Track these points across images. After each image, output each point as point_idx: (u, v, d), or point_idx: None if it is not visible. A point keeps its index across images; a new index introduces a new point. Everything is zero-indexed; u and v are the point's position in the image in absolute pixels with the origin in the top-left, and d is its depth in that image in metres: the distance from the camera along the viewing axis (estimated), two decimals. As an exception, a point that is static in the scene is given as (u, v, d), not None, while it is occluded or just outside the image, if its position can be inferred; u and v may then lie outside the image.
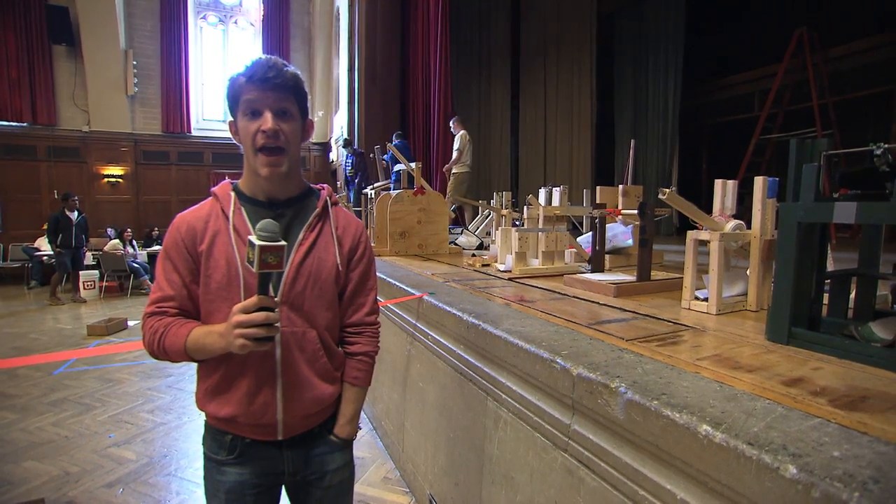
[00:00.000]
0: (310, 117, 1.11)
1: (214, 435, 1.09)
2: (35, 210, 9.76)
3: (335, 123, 11.13)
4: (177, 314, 1.03)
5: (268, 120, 0.98)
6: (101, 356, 4.52)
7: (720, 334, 1.39)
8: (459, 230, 5.01)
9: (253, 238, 0.88)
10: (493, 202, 4.57)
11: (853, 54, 6.66)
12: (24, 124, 9.93)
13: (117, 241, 8.50)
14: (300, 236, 1.06)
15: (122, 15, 10.11)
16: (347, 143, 8.51)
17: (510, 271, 2.64)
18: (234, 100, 1.02)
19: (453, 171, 6.42)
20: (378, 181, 6.49)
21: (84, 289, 7.66)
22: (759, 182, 1.69)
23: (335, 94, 11.16)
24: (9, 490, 2.46)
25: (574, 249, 3.02)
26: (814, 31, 6.49)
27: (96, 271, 8.05)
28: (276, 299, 0.98)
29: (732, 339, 1.34)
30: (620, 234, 3.20)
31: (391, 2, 8.60)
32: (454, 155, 6.44)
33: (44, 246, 8.59)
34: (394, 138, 7.30)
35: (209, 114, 11.22)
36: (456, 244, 4.43)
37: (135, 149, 10.52)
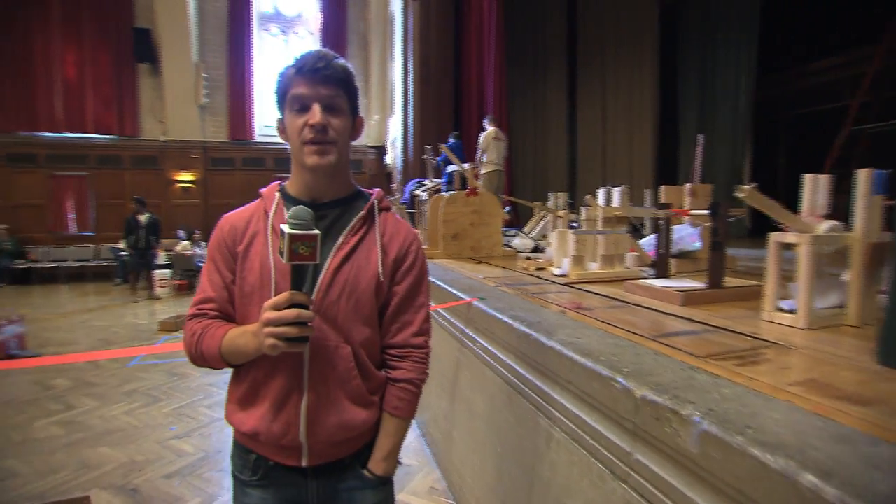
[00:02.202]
0: (360, 115, 1.04)
1: (240, 452, 1.03)
2: (120, 214, 10.56)
3: (390, 126, 11.28)
4: (216, 317, 0.99)
5: (316, 113, 0.93)
6: (169, 353, 4.80)
7: (813, 353, 1.20)
8: (514, 232, 4.88)
9: (284, 226, 0.82)
10: (549, 203, 4.41)
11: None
12: (113, 137, 10.85)
13: (187, 242, 9.06)
14: (340, 240, 0.98)
15: (194, 31, 10.81)
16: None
17: (566, 276, 2.49)
18: (283, 94, 0.97)
19: (480, 171, 6.30)
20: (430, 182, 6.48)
21: (158, 287, 8.20)
22: (862, 176, 1.46)
23: (390, 97, 11.32)
24: (85, 473, 2.64)
25: (635, 253, 2.82)
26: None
27: (169, 270, 8.62)
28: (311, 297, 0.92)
29: (830, 360, 1.15)
30: (687, 236, 2.96)
31: (444, 3, 8.60)
32: (477, 153, 6.34)
33: (124, 247, 9.32)
34: (450, 138, 7.27)
35: (271, 121, 11.74)
36: (510, 247, 4.30)
37: (204, 155, 11.22)
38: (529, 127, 9.49)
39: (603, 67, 8.80)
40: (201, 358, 0.96)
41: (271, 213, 0.98)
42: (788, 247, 1.52)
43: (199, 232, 9.50)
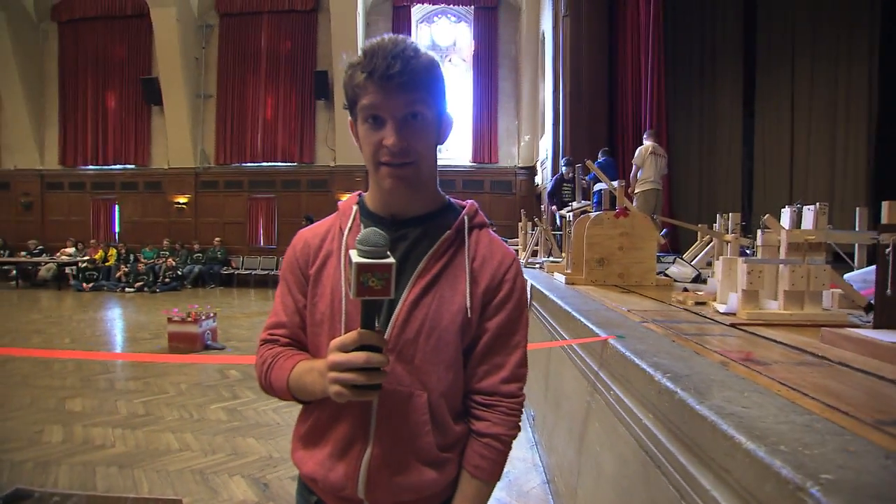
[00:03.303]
0: (448, 114, 0.86)
1: (302, 491, 0.94)
2: (296, 230, 12.36)
3: (541, 147, 11.12)
4: (288, 344, 0.90)
5: (391, 134, 0.78)
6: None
7: None
8: (671, 259, 4.26)
9: (352, 253, 0.69)
10: (716, 226, 3.75)
11: None
12: (294, 164, 12.76)
13: (349, 255, 10.08)
14: (421, 265, 0.83)
15: (363, 68, 12.16)
16: (570, 163, 7.96)
17: (734, 314, 2.00)
18: (352, 98, 0.81)
19: (636, 189, 5.64)
20: (577, 202, 6.09)
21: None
22: None
23: (541, 117, 11.18)
24: (234, 459, 2.95)
25: (838, 290, 2.16)
26: None
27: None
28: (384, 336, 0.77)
29: None
30: (924, 271, 2.17)
31: (597, 15, 8.19)
32: (632, 169, 5.71)
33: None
34: (599, 155, 6.81)
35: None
36: (666, 275, 3.74)
37: (365, 178, 12.38)
38: (694, 140, 8.44)
39: (793, 72, 7.43)
40: (271, 388, 0.87)
41: (346, 231, 0.86)
42: None
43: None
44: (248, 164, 13.03)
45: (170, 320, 5.74)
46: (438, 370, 0.83)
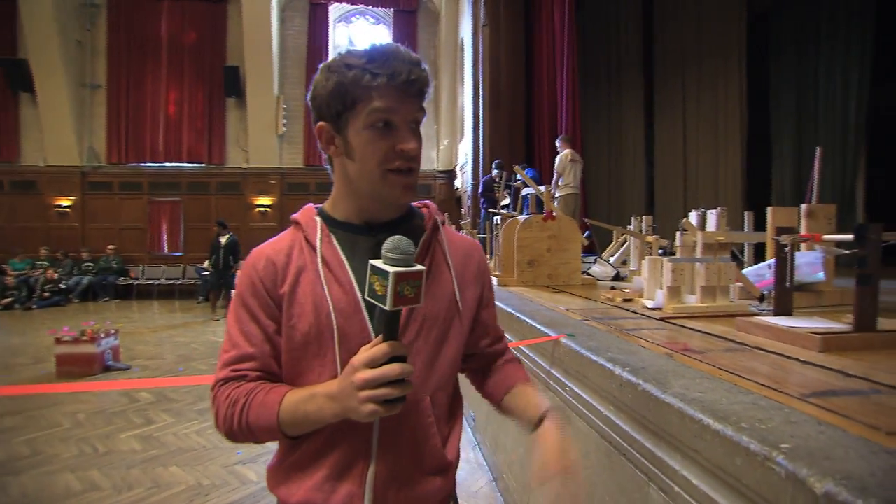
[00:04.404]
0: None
1: None
2: (206, 236, 11.43)
3: (460, 151, 11.34)
4: (259, 377, 0.79)
5: (409, 138, 0.77)
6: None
7: None
8: (592, 259, 4.56)
9: (378, 262, 0.66)
10: (631, 227, 4.08)
11: None
12: (202, 165, 11.82)
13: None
14: None
15: (276, 67, 11.60)
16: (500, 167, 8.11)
17: (661, 309, 2.20)
18: (349, 102, 0.76)
19: (556, 194, 6.01)
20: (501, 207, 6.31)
21: (236, 306, 8.62)
22: None
23: (460, 122, 11.42)
24: (156, 492, 2.67)
25: (740, 284, 2.45)
26: None
27: (247, 291, 9.08)
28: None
29: None
30: (805, 265, 2.54)
31: (515, 25, 8.56)
32: (553, 177, 6.09)
33: (208, 267, 9.98)
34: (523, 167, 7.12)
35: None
36: (589, 274, 4.00)
37: (281, 181, 11.91)
38: (604, 148, 9.11)
39: (683, 84, 8.29)
40: (246, 432, 0.76)
41: (318, 244, 0.81)
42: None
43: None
44: (149, 164, 11.80)
45: (58, 341, 4.98)
46: (441, 368, 0.84)
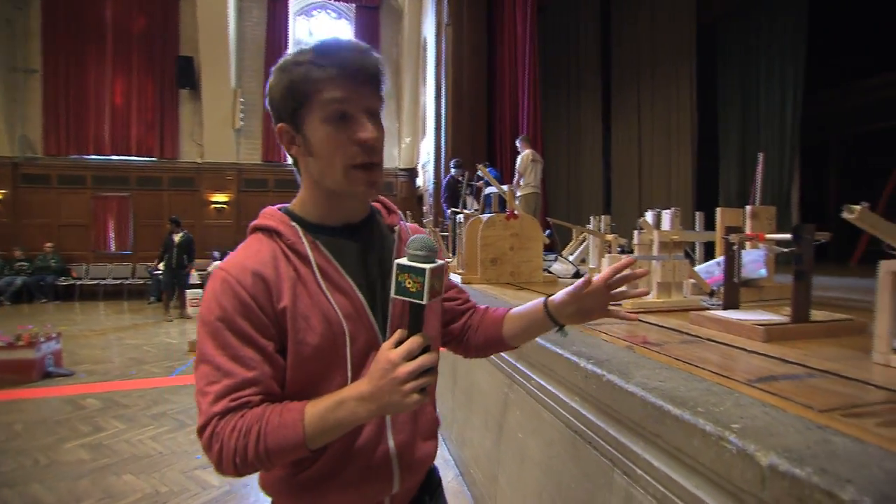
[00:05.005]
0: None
1: None
2: (157, 234, 10.91)
3: (422, 149, 11.34)
4: (261, 402, 0.74)
5: (367, 128, 0.76)
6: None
7: (961, 409, 0.98)
8: (553, 257, 4.69)
9: (407, 261, 0.70)
10: (589, 226, 4.22)
11: None
12: (154, 159, 11.27)
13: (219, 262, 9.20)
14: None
15: (233, 58, 11.21)
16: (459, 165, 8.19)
17: (620, 305, 2.29)
18: (300, 99, 0.76)
19: (517, 193, 6.15)
20: (465, 206, 6.37)
21: (190, 306, 8.28)
22: None
23: (422, 120, 11.42)
24: (109, 503, 2.53)
25: (693, 281, 2.60)
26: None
27: (201, 290, 8.73)
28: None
29: None
30: (750, 262, 2.72)
31: (477, 26, 8.64)
32: (514, 177, 6.23)
33: (160, 266, 9.53)
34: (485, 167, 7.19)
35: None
36: (550, 272, 4.11)
37: (238, 177, 11.50)
38: (563, 149, 9.35)
39: (638, 88, 8.64)
40: (263, 460, 0.70)
41: (308, 252, 0.79)
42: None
43: (231, 252, 9.67)
44: (93, 157, 11.12)
45: (-10, 347, 4.62)
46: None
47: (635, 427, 1.12)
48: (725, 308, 2.06)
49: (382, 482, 0.84)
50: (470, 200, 6.22)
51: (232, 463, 0.70)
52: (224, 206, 11.45)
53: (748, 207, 2.76)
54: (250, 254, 0.79)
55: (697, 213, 3.60)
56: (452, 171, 7.48)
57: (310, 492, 0.81)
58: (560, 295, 0.93)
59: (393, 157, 12.36)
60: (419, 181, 11.66)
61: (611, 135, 9.12)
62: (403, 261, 0.70)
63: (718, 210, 2.81)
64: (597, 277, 0.92)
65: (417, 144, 11.88)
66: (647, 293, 1.23)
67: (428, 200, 10.27)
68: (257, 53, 11.59)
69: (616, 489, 1.18)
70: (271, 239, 0.81)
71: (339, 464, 0.80)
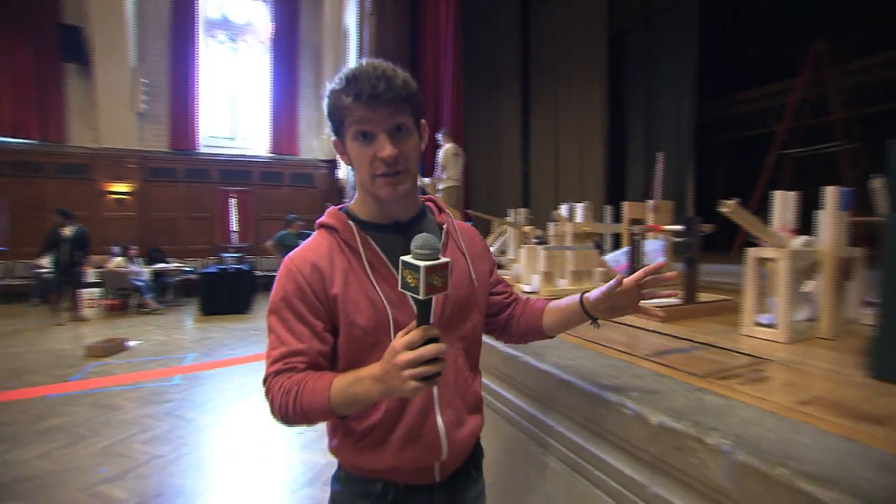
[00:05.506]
0: (423, 120, 0.98)
1: (360, 485, 0.96)
2: (41, 227, 9.60)
3: (343, 140, 11.07)
4: (306, 369, 0.89)
5: (385, 147, 0.87)
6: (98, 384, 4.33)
7: (806, 369, 1.18)
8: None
9: (408, 258, 0.75)
10: (508, 218, 4.40)
11: (877, 67, 6.52)
12: (34, 142, 9.93)
13: (122, 258, 8.37)
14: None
15: (133, 34, 10.18)
16: None
17: (537, 293, 2.44)
18: (339, 121, 0.90)
19: (439, 186, 6.29)
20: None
21: (86, 307, 7.50)
22: (830, 193, 1.51)
23: (343, 111, 11.13)
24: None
25: (602, 269, 2.82)
26: (835, 45, 6.36)
27: (99, 289, 7.91)
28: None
29: (825, 375, 1.13)
30: (651, 252, 3.00)
31: (401, 18, 8.60)
32: (436, 170, 6.38)
33: (46, 263, 8.48)
34: None
35: (217, 130, 11.24)
36: (471, 262, 4.23)
37: (142, 165, 10.48)
38: (484, 143, 9.60)
39: (555, 86, 9.08)
40: (301, 416, 0.85)
41: (360, 247, 0.92)
42: (765, 262, 1.53)
43: (135, 248, 8.80)
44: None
45: None
46: (470, 331, 0.99)
47: (549, 402, 1.22)
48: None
49: (432, 450, 0.93)
50: None
51: (279, 412, 0.86)
52: (125, 196, 10.38)
53: (650, 202, 3.05)
54: (312, 247, 0.94)
55: (607, 207, 3.90)
56: None
57: (368, 453, 0.93)
58: (595, 293, 1.01)
59: (312, 148, 11.93)
60: (340, 173, 11.39)
61: (529, 131, 9.51)
62: (406, 258, 0.75)
63: (625, 204, 3.08)
64: (629, 278, 1.01)
65: (340, 135, 11.58)
66: (675, 294, 1.37)
67: (350, 193, 10.08)
68: (161, 31, 10.60)
69: (532, 459, 1.28)
70: (330, 234, 0.95)
71: (392, 431, 0.92)
